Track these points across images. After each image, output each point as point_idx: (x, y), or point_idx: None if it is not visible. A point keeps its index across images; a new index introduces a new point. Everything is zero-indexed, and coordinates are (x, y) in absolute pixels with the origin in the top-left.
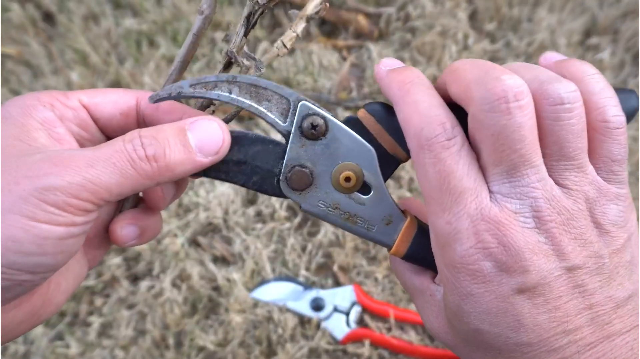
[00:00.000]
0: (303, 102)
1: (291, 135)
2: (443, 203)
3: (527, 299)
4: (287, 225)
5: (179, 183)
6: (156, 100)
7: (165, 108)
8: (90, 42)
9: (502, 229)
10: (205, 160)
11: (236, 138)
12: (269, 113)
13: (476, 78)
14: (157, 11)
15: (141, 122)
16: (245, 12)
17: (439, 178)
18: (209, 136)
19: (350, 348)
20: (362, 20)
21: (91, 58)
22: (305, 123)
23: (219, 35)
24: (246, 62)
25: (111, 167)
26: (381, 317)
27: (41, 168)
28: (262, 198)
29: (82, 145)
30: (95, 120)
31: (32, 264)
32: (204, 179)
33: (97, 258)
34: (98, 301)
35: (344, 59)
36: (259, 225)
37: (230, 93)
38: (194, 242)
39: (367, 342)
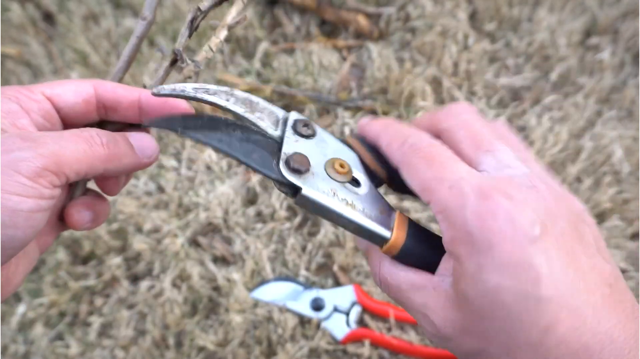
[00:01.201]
0: (292, 112)
1: (286, 132)
2: (439, 177)
3: (543, 249)
4: (287, 225)
5: (128, 174)
6: (160, 94)
7: (120, 97)
8: (90, 42)
9: (500, 183)
10: (145, 160)
11: (242, 120)
12: (261, 122)
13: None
14: (157, 11)
15: (101, 107)
16: (189, 17)
17: (426, 162)
18: (146, 143)
19: (351, 348)
20: (362, 20)
21: (91, 58)
22: (298, 124)
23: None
24: (188, 61)
25: (74, 144)
26: (381, 317)
27: (13, 143)
28: (262, 198)
29: None
30: (58, 110)
31: (5, 238)
32: (204, 179)
33: (48, 243)
34: (98, 301)
35: (344, 59)
36: (259, 225)
37: (228, 101)
38: (194, 242)
39: (367, 342)
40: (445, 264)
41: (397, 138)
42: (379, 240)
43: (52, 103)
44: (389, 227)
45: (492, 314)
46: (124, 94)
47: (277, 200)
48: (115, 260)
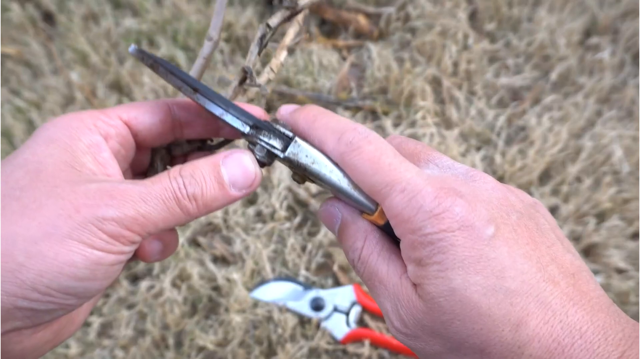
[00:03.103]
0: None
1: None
2: (389, 181)
3: (503, 241)
4: (287, 225)
5: None
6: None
7: (196, 111)
8: (90, 42)
9: (449, 181)
10: (239, 194)
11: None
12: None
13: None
14: (157, 11)
15: (177, 125)
16: (259, 34)
17: (372, 164)
18: (241, 170)
19: (350, 348)
20: (362, 20)
21: (91, 58)
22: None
23: None
24: (257, 80)
25: (161, 204)
26: (381, 317)
27: (100, 199)
28: (262, 198)
29: (120, 164)
30: (135, 134)
31: (81, 289)
32: None
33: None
34: (98, 301)
35: (344, 58)
36: (259, 225)
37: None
38: (194, 242)
39: (367, 342)
40: (410, 269)
41: (330, 134)
42: (367, 206)
43: (130, 127)
44: (374, 203)
45: (462, 314)
46: (199, 109)
47: (277, 200)
48: None
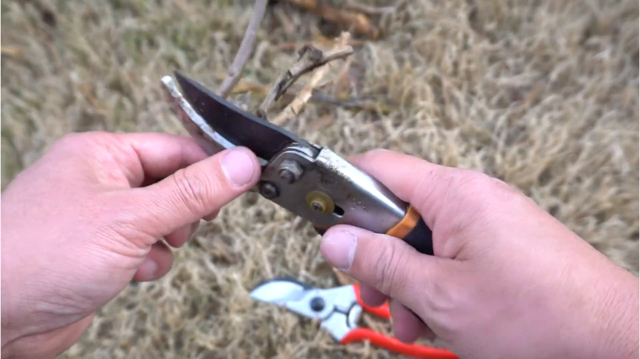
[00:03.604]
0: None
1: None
2: (417, 169)
3: (529, 205)
4: (287, 225)
5: (195, 224)
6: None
7: (204, 153)
8: (90, 42)
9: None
10: (241, 188)
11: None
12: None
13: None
14: (157, 11)
15: (184, 164)
16: (279, 80)
17: (397, 160)
18: (241, 165)
19: (350, 348)
20: (362, 20)
21: (91, 58)
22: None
23: (218, 35)
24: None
25: (171, 205)
26: (381, 317)
27: (116, 204)
28: (262, 198)
29: (131, 185)
30: (143, 163)
31: (99, 292)
32: None
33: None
34: None
35: (344, 58)
36: (259, 225)
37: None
38: (194, 242)
39: (367, 342)
40: (448, 246)
41: (356, 157)
42: (390, 218)
43: (139, 156)
44: (403, 208)
45: (510, 260)
46: (208, 149)
47: None
48: None
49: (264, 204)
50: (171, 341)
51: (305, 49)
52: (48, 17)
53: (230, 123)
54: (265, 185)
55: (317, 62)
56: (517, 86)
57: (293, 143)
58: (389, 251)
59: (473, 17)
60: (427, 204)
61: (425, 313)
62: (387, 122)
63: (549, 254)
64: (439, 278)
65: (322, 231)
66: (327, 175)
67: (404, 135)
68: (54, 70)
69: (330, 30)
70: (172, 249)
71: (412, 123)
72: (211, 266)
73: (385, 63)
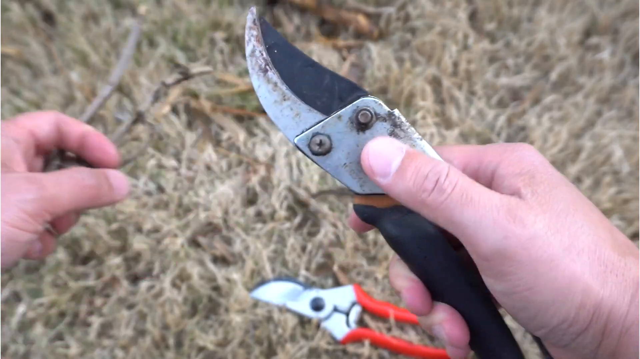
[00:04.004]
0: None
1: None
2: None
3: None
4: (287, 225)
5: (77, 215)
6: None
7: (71, 124)
8: (90, 42)
9: None
10: (119, 198)
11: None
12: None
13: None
14: (157, 11)
15: (58, 138)
16: (155, 88)
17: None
18: (121, 181)
19: (350, 348)
20: (362, 20)
21: (91, 58)
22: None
23: (218, 35)
24: (150, 122)
25: (70, 187)
26: (381, 317)
27: (21, 185)
28: (262, 198)
29: (29, 162)
30: (36, 139)
31: None
32: (204, 179)
33: None
34: (98, 301)
35: (344, 58)
36: (259, 225)
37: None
38: (194, 242)
39: (367, 342)
40: (512, 183)
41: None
42: None
43: (33, 134)
44: None
45: (574, 205)
46: (75, 127)
47: (277, 200)
48: (115, 260)
49: (264, 204)
50: (171, 341)
51: (176, 65)
52: (48, 17)
53: (299, 73)
54: (317, 138)
55: (185, 75)
56: (517, 86)
57: (369, 95)
58: (443, 167)
59: (473, 17)
60: (489, 159)
61: (489, 236)
62: None
63: (598, 213)
64: (511, 206)
65: (360, 209)
66: (399, 129)
67: None
68: (54, 70)
69: (330, 30)
70: (173, 248)
71: (412, 123)
72: (211, 266)
73: (385, 63)
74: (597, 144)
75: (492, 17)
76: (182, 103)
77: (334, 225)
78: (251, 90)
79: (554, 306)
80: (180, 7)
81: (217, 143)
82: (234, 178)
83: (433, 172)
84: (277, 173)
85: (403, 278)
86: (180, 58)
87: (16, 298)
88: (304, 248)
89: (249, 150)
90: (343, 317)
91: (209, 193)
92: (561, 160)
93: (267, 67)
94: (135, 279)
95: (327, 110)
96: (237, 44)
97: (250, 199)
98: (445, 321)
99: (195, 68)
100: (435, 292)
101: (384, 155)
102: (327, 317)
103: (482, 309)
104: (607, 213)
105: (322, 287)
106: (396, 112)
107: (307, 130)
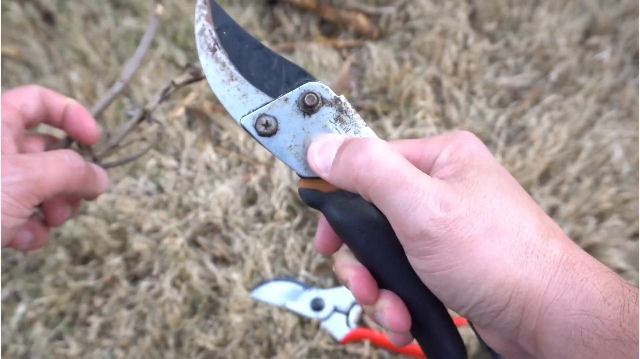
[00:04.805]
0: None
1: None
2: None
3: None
4: (287, 225)
5: (75, 206)
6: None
7: (53, 97)
8: (90, 42)
9: None
10: (101, 190)
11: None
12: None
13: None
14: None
15: (48, 107)
16: (164, 86)
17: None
18: (102, 174)
19: (350, 348)
20: (362, 20)
21: (91, 58)
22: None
23: None
24: (155, 120)
25: (57, 168)
26: None
27: (5, 167)
28: (262, 198)
29: (18, 140)
30: (24, 117)
31: None
32: (204, 179)
33: None
34: (98, 301)
35: (344, 58)
36: (258, 225)
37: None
38: (193, 242)
39: (367, 342)
40: (446, 170)
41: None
42: None
43: (22, 114)
44: None
45: (501, 190)
46: (58, 101)
47: (277, 200)
48: (115, 260)
49: (264, 204)
50: (171, 341)
51: (188, 65)
52: (48, 17)
53: (248, 55)
54: (263, 119)
55: (196, 76)
56: (517, 86)
57: (315, 80)
58: (380, 146)
59: (473, 17)
60: (430, 150)
61: (416, 217)
62: (387, 122)
63: (527, 199)
64: (440, 189)
65: (305, 193)
66: (344, 114)
67: (404, 135)
68: (54, 70)
69: (330, 30)
70: (173, 248)
71: (412, 123)
72: (211, 266)
73: (385, 63)
74: (597, 144)
75: (492, 17)
76: (181, 103)
77: None
78: None
79: (472, 286)
80: (180, 7)
81: (217, 143)
82: (234, 178)
83: (365, 149)
84: (277, 173)
85: (349, 267)
86: (180, 58)
87: (16, 298)
88: (304, 248)
89: (248, 150)
90: (343, 317)
91: (208, 193)
92: (561, 160)
93: (216, 46)
94: (135, 279)
95: (274, 93)
96: None
97: (250, 199)
98: (387, 309)
99: None
100: (379, 279)
101: (325, 151)
102: (327, 317)
103: (423, 296)
104: (607, 213)
105: (322, 287)
106: (342, 97)
107: (253, 111)
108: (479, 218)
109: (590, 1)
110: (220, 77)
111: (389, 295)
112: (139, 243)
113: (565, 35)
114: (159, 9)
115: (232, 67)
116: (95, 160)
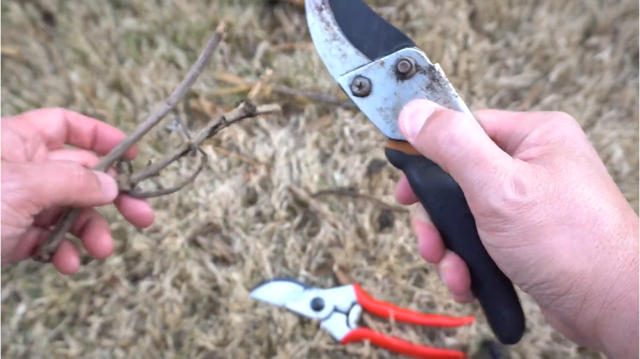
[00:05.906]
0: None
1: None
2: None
3: None
4: (287, 225)
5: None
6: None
7: (81, 119)
8: (90, 42)
9: None
10: (107, 199)
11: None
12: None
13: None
14: (157, 11)
15: (67, 133)
16: (213, 123)
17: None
18: (109, 182)
19: (350, 348)
20: None
21: (91, 58)
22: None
23: None
24: (202, 152)
25: (56, 177)
26: (381, 317)
27: (3, 174)
28: (262, 198)
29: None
30: (45, 137)
31: None
32: (204, 179)
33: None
34: (98, 301)
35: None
36: (259, 225)
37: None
38: (194, 242)
39: (367, 342)
40: (531, 151)
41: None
42: None
43: (42, 133)
44: None
45: (587, 180)
46: (86, 123)
47: (277, 200)
48: (115, 260)
49: (264, 204)
50: (171, 341)
51: (242, 101)
52: (48, 17)
53: (352, 15)
54: (359, 80)
55: (250, 114)
56: (517, 86)
57: (413, 45)
58: (465, 124)
59: (473, 17)
60: (522, 127)
61: (489, 196)
62: None
63: (614, 192)
64: (518, 171)
65: (390, 153)
66: (437, 83)
67: None
68: (54, 70)
69: None
70: (173, 248)
71: None
72: (211, 266)
73: None
74: (597, 144)
75: (492, 17)
76: (182, 103)
77: (334, 225)
78: (251, 90)
79: (534, 267)
80: (180, 7)
81: (217, 143)
82: (234, 178)
83: (450, 126)
84: (277, 173)
85: (421, 224)
86: (180, 58)
87: (16, 298)
88: (304, 248)
89: (248, 150)
90: (343, 317)
91: (209, 193)
92: None
93: (323, 5)
94: (135, 279)
95: (372, 55)
96: (237, 43)
97: (250, 199)
98: (448, 269)
99: (262, 107)
100: (447, 241)
101: (415, 117)
102: (327, 317)
103: (488, 265)
104: None
105: (322, 287)
106: (437, 66)
107: (350, 71)
108: (554, 205)
109: (590, 1)
110: (324, 36)
111: (453, 258)
112: (139, 243)
113: (565, 35)
114: (221, 27)
115: (335, 28)
116: (133, 186)
